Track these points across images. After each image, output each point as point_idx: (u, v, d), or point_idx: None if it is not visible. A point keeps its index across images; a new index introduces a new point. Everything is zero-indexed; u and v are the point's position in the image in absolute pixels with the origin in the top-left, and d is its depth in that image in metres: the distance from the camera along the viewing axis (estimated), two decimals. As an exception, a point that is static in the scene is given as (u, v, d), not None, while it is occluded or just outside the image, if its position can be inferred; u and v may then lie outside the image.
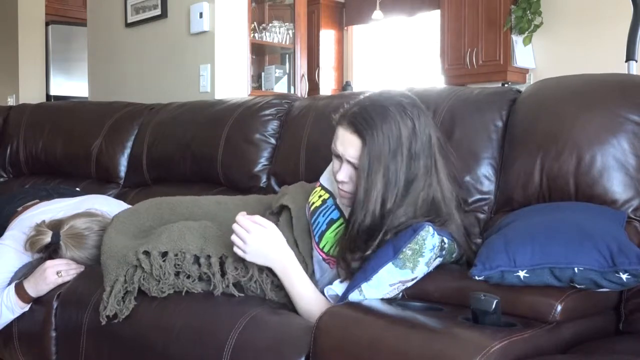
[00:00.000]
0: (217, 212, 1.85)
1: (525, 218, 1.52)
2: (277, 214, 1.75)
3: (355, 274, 1.46)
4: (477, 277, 1.33)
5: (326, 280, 1.60)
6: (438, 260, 1.45)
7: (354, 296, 1.42)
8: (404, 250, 1.39)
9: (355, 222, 1.50)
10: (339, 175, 1.55)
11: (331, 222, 1.64)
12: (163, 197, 1.97)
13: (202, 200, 1.93)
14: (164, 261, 1.60)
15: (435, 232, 1.41)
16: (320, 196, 1.71)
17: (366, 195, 1.48)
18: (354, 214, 1.52)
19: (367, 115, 1.49)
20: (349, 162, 1.52)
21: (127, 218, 1.87)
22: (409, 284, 1.44)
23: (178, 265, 1.60)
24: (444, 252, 1.44)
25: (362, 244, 1.48)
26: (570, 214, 1.48)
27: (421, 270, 1.42)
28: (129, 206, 2.23)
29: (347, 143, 1.51)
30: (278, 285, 1.58)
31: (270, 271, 1.56)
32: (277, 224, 1.66)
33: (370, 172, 1.47)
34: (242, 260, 1.56)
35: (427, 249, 1.40)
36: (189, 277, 1.61)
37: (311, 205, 1.70)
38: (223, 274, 1.59)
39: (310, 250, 1.65)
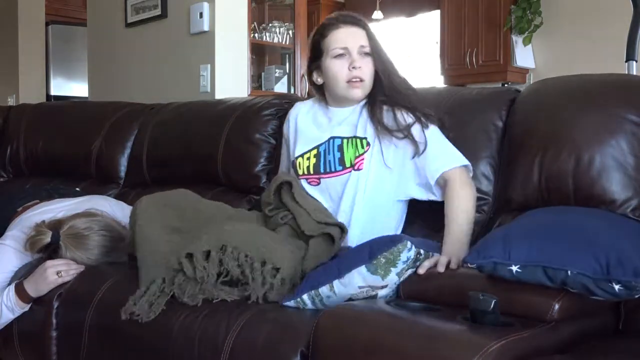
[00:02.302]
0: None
1: (533, 216, 1.51)
2: (276, 193, 1.77)
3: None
4: (470, 264, 1.34)
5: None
6: (410, 271, 1.47)
7: (324, 290, 1.46)
8: (378, 257, 1.42)
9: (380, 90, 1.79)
10: (358, 62, 1.78)
11: (340, 147, 1.80)
12: (184, 191, 1.91)
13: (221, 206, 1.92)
14: (207, 261, 1.55)
15: (413, 246, 1.44)
16: (308, 158, 1.83)
17: (384, 69, 1.80)
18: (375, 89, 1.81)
19: (352, 14, 1.85)
20: (359, 50, 1.79)
21: (151, 207, 1.79)
22: (379, 292, 1.46)
23: (220, 262, 1.54)
24: (417, 263, 1.48)
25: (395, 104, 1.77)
26: (582, 219, 1.44)
27: (391, 280, 1.45)
28: (129, 206, 2.23)
29: (354, 35, 1.81)
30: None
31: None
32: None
33: (380, 50, 1.81)
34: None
35: (401, 261, 1.43)
36: (226, 276, 1.55)
37: (308, 168, 1.83)
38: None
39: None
